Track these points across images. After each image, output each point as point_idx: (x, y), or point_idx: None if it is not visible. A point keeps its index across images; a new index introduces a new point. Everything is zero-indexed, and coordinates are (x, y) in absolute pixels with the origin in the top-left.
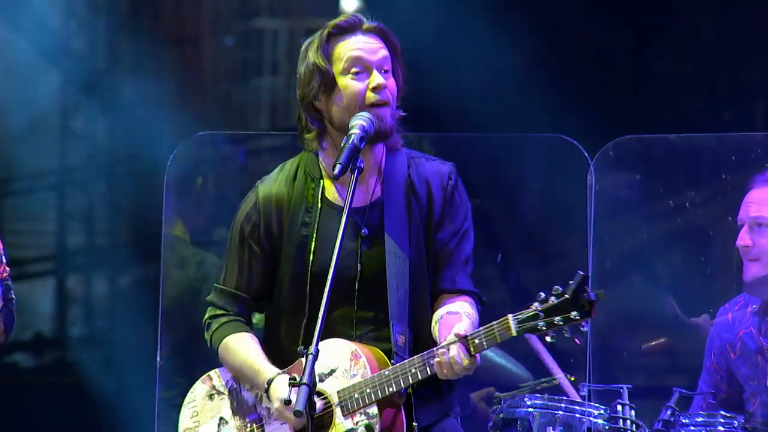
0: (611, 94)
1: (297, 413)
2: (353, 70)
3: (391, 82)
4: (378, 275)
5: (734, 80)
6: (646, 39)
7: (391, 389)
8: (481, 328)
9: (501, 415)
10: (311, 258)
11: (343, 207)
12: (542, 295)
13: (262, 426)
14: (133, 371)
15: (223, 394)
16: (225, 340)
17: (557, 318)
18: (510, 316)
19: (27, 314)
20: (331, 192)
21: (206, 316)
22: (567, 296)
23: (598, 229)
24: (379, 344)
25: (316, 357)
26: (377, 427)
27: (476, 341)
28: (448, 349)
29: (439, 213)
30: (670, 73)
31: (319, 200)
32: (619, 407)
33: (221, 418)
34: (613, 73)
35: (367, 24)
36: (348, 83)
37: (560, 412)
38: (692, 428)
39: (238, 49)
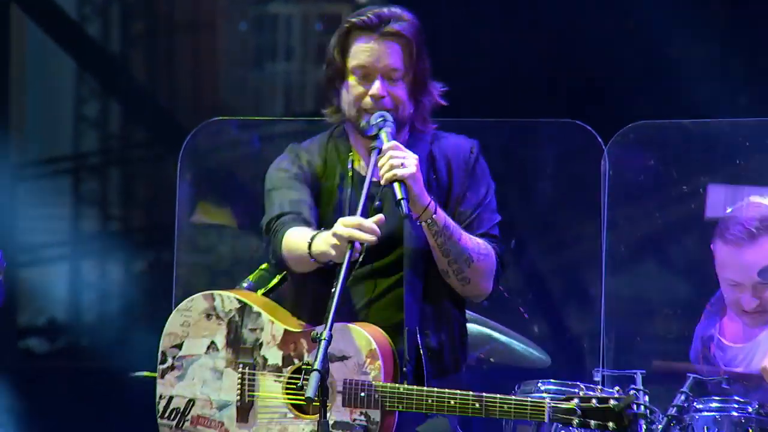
0: (625, 80)
1: (308, 399)
2: (359, 72)
3: (398, 90)
4: (390, 245)
5: (750, 66)
6: (661, 24)
7: (399, 407)
8: (512, 397)
9: None
10: None
11: (365, 180)
12: (582, 388)
13: (254, 374)
14: (146, 357)
15: (222, 320)
16: (288, 231)
17: (593, 422)
18: (548, 402)
19: (41, 299)
20: (358, 164)
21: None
22: (611, 407)
23: (612, 215)
24: (392, 311)
25: (329, 342)
26: None
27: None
28: None
29: (460, 186)
30: (684, 58)
31: (350, 169)
32: (633, 392)
33: (212, 343)
34: (627, 58)
35: (385, 27)
36: (353, 83)
37: None
38: (706, 414)
39: (251, 35)
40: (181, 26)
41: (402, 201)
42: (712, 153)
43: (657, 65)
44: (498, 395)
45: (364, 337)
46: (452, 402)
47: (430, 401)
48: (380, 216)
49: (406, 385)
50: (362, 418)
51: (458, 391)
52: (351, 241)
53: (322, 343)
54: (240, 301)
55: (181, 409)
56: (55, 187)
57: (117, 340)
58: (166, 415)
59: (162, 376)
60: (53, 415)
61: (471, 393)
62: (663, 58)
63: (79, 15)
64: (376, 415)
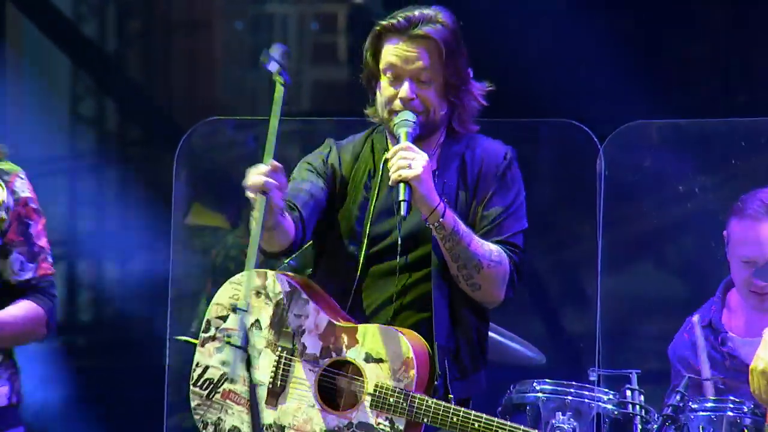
0: (621, 79)
1: (231, 380)
2: (389, 74)
3: (428, 92)
4: (415, 243)
5: (746, 65)
6: (657, 23)
7: (424, 420)
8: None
9: (511, 400)
10: (370, 219)
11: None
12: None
13: (291, 360)
14: (143, 355)
15: (270, 301)
16: None
17: None
18: None
19: None
20: None
21: None
22: None
23: (607, 215)
24: (414, 309)
25: (246, 313)
26: None
27: None
28: None
29: (489, 190)
30: (680, 57)
31: (381, 169)
32: (629, 392)
33: (257, 321)
34: (622, 57)
35: (414, 30)
36: (384, 84)
37: (569, 398)
38: (701, 413)
39: (248, 34)
40: (177, 25)
41: (402, 203)
42: (708, 153)
43: (653, 64)
44: (522, 426)
45: (404, 344)
46: (476, 425)
47: (455, 419)
48: (277, 164)
49: (435, 400)
50: (387, 423)
51: (483, 415)
52: (262, 192)
53: (240, 314)
54: (291, 285)
55: (214, 381)
56: (51, 185)
57: (113, 340)
58: (199, 384)
59: (202, 345)
60: (51, 414)
61: (496, 420)
62: (659, 57)
63: (75, 14)
64: (400, 423)
